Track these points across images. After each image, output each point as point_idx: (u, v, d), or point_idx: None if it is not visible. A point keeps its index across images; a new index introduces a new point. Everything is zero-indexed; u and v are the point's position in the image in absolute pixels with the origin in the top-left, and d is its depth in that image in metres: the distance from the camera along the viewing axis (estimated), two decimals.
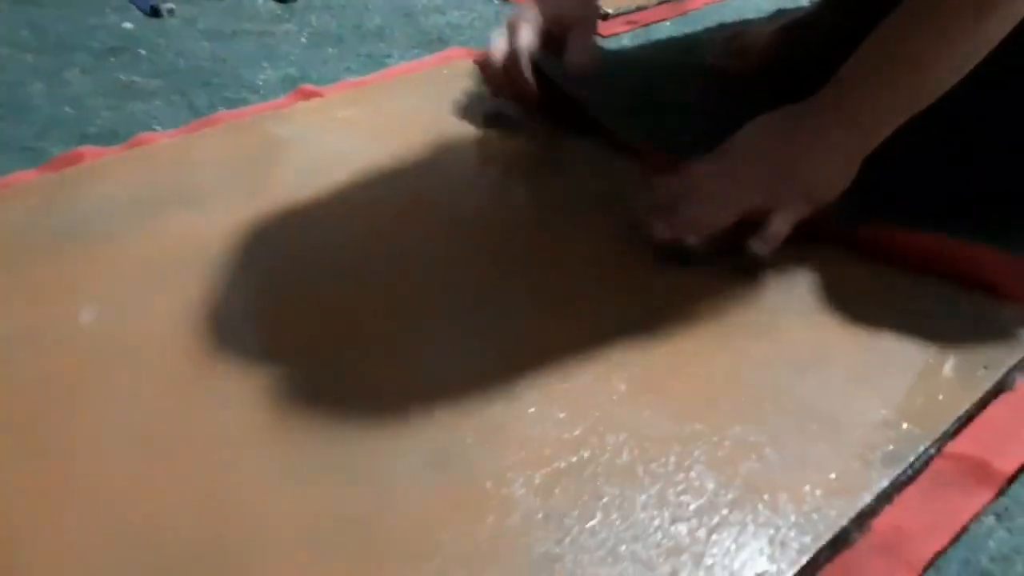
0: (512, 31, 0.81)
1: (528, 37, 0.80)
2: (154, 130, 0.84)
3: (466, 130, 0.84)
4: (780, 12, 1.22)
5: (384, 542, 0.46)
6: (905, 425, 0.53)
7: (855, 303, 0.64)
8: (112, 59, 0.99)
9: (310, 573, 0.44)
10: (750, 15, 1.17)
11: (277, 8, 1.14)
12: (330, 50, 1.03)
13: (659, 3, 1.19)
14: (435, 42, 1.05)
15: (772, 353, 0.59)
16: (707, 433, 0.52)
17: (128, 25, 1.07)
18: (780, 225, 0.64)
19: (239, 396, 0.53)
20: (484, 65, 0.83)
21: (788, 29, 1.05)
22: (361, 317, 0.60)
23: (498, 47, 0.81)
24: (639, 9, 1.17)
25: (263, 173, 0.75)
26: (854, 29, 0.94)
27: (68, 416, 0.52)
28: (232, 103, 0.90)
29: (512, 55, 0.79)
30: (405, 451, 0.50)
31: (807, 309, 0.63)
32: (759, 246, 0.64)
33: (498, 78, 0.81)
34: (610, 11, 1.14)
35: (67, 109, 0.88)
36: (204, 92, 0.92)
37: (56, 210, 0.70)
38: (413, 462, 0.50)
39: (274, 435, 0.51)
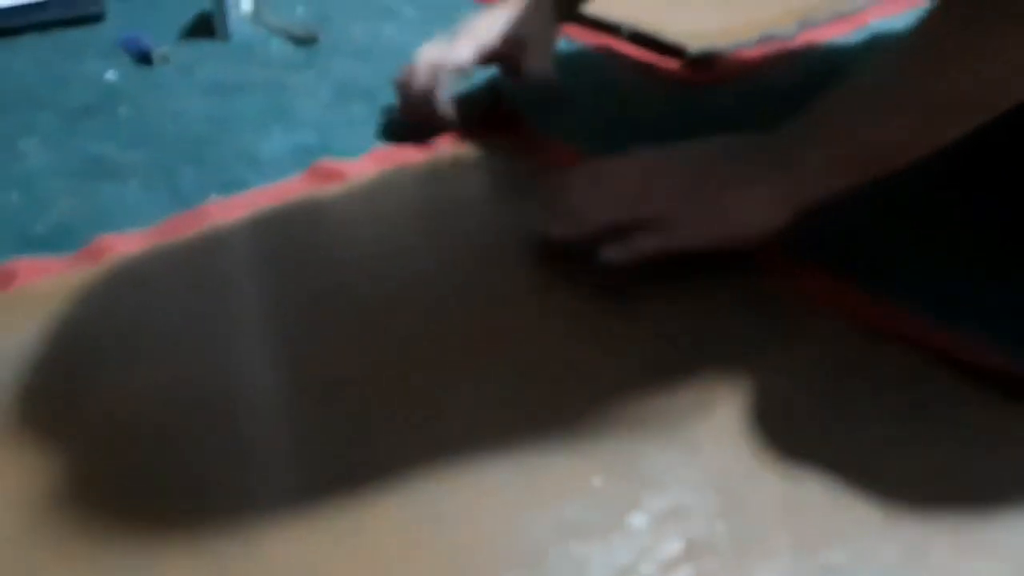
0: (448, 48, 0.75)
1: (466, 55, 0.75)
2: (120, 230, 0.64)
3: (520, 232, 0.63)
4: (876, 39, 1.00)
5: None
6: None
7: None
8: (85, 121, 0.79)
9: None
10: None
11: (294, 53, 0.93)
12: (357, 108, 0.82)
13: (760, 41, 0.97)
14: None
15: None
16: None
17: (111, 76, 0.87)
18: (646, 241, 0.57)
19: None
20: (403, 84, 0.76)
21: None
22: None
23: (423, 67, 0.74)
24: (738, 48, 0.95)
25: (239, 312, 0.54)
26: None
27: None
28: (227, 186, 0.69)
29: (435, 80, 0.74)
30: None
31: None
32: (610, 252, 0.57)
33: (415, 103, 0.75)
34: (692, 51, 0.92)
35: (12, 195, 0.68)
36: (194, 169, 0.72)
37: None
38: None
39: None
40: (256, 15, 1.00)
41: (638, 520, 0.41)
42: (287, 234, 0.61)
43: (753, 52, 0.95)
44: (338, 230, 0.62)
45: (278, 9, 1.03)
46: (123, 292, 0.55)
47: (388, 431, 0.46)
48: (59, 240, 0.63)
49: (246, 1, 1.00)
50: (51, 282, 0.56)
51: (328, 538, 0.40)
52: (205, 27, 0.97)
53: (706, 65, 0.92)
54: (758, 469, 0.44)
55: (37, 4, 0.96)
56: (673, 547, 0.40)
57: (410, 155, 0.73)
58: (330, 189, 0.67)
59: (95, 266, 0.58)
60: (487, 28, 0.77)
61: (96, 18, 0.98)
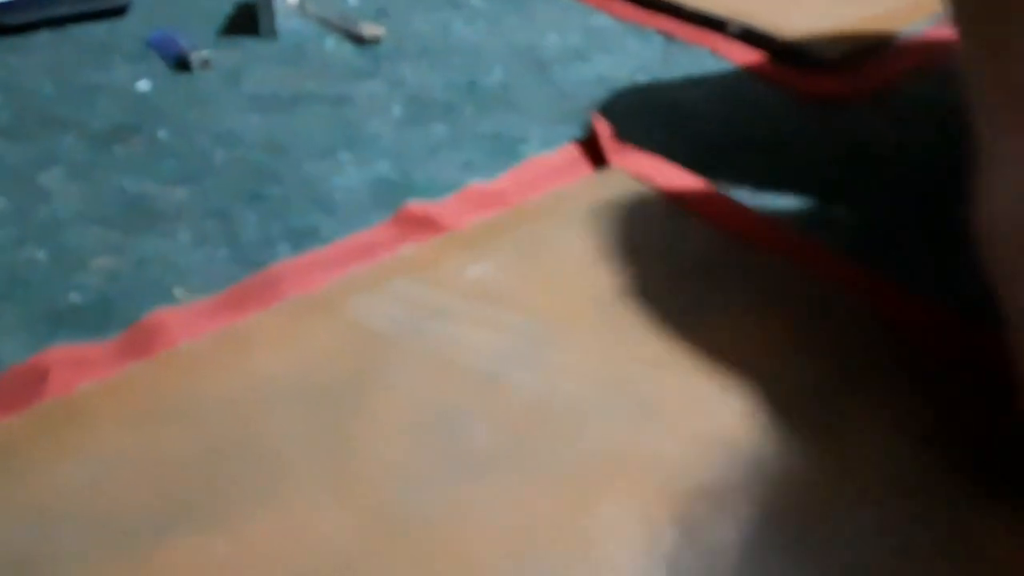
0: None
1: None
2: (173, 300, 0.52)
3: (708, 328, 0.50)
4: None
5: None
6: None
7: None
8: (117, 146, 0.66)
9: None
10: None
11: (353, 54, 0.80)
12: (438, 127, 0.70)
13: (891, 42, 0.83)
14: (585, 112, 0.72)
15: None
16: None
17: (144, 85, 0.74)
18: None
19: None
20: None
21: None
22: None
23: None
24: (869, 50, 0.81)
25: (339, 436, 0.42)
26: None
27: None
28: (297, 237, 0.57)
29: None
30: None
31: None
32: None
33: None
34: (819, 56, 0.79)
35: (39, 253, 0.56)
36: (254, 213, 0.59)
37: None
38: None
39: None
40: (302, 6, 0.87)
41: None
42: (386, 309, 0.49)
43: (886, 57, 0.82)
44: (455, 302, 0.50)
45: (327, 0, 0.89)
46: (184, 412, 0.42)
47: None
48: (98, 314, 0.50)
49: None
50: (94, 388, 0.44)
51: None
52: (246, 22, 0.84)
53: (836, 73, 0.79)
54: None
55: None
56: None
57: (515, 195, 0.61)
58: (427, 244, 0.55)
59: (147, 358, 0.46)
60: None
61: (119, 11, 0.85)
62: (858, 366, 0.46)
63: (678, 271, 0.54)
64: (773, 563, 0.37)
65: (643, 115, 0.72)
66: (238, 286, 0.52)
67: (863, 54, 0.80)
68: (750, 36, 0.83)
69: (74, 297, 0.52)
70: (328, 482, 0.39)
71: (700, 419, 0.43)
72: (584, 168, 0.65)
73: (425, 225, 0.57)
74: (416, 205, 0.59)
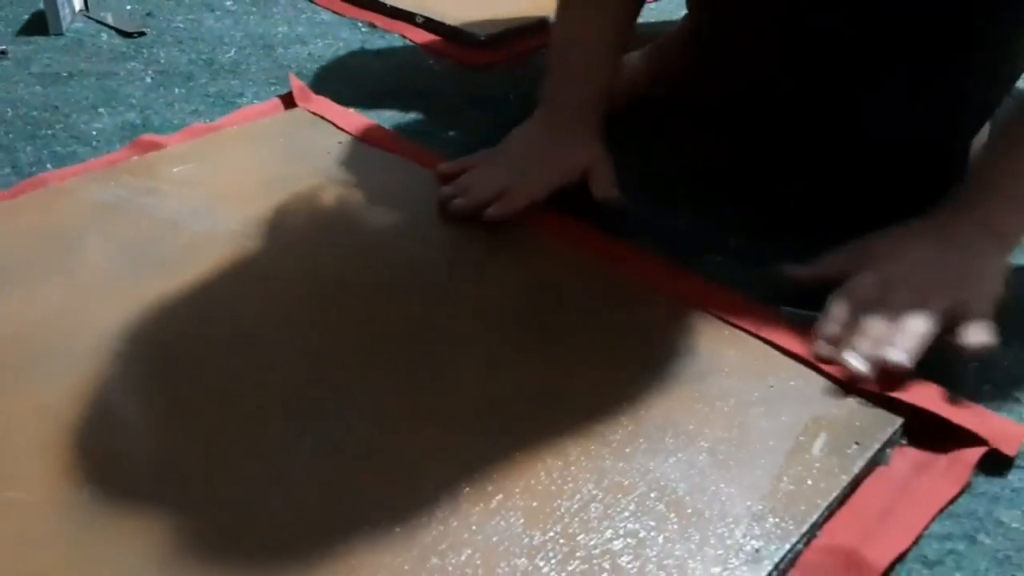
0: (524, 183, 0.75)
1: (542, 196, 0.75)
2: None
3: (316, 188, 0.77)
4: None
5: None
6: (772, 519, 0.49)
7: (719, 376, 0.59)
8: None
9: None
10: None
11: (122, 44, 1.05)
12: (177, 90, 0.95)
13: (532, 28, 1.13)
14: (296, 77, 0.99)
15: (630, 431, 0.54)
16: (557, 542, 0.48)
17: None
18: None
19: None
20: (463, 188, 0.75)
21: (662, 49, 0.99)
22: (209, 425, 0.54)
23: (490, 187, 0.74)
24: (515, 29, 1.11)
25: (74, 254, 0.67)
26: (740, 46, 0.89)
27: None
28: (61, 159, 0.82)
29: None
30: None
31: (666, 380, 0.59)
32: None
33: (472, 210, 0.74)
34: (483, 37, 1.09)
35: None
36: (31, 147, 0.84)
37: None
38: None
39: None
40: (85, 11, 1.11)
41: None
42: (114, 191, 0.74)
43: (525, 37, 1.11)
44: (159, 187, 0.76)
45: (108, 5, 1.14)
46: None
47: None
48: None
49: None
50: None
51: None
52: (40, 24, 1.08)
53: (486, 48, 1.08)
54: None
55: None
56: None
57: (218, 128, 0.87)
58: (150, 156, 0.80)
59: None
60: (561, 166, 0.77)
61: None
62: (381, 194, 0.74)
63: (323, 167, 0.81)
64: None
65: (340, 78, 0.99)
66: (16, 186, 0.76)
67: (509, 35, 1.10)
68: (430, 24, 1.12)
69: None
70: (57, 275, 0.65)
71: (309, 234, 0.70)
72: (280, 111, 0.92)
73: (152, 147, 0.83)
74: (148, 136, 0.84)
